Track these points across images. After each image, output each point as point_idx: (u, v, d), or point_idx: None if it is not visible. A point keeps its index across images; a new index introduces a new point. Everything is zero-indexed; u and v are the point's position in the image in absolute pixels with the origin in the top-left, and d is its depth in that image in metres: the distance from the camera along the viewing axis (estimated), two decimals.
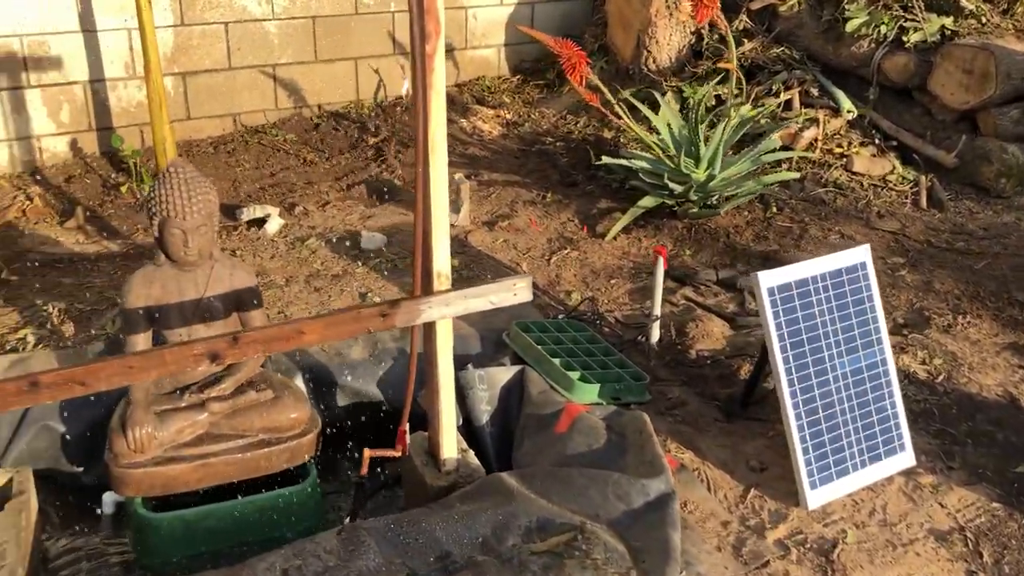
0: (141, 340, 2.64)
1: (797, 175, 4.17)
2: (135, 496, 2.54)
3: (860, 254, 2.70)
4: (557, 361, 2.93)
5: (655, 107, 4.45)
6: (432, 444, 2.61)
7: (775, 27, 4.94)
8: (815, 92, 4.64)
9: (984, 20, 4.61)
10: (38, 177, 4.42)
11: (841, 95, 4.53)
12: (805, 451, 2.48)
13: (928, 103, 4.60)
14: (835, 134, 4.49)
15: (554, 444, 2.65)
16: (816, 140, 4.42)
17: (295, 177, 4.60)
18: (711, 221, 3.94)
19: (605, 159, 4.06)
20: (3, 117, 4.34)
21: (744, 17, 4.96)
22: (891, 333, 3.07)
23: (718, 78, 4.79)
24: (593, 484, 2.40)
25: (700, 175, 3.92)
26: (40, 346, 3.10)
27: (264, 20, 4.87)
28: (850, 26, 4.49)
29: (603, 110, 3.99)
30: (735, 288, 3.48)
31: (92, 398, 2.85)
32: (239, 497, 2.61)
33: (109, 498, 2.72)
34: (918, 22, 4.52)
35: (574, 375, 2.87)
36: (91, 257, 3.78)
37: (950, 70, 4.41)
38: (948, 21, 4.55)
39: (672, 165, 3.91)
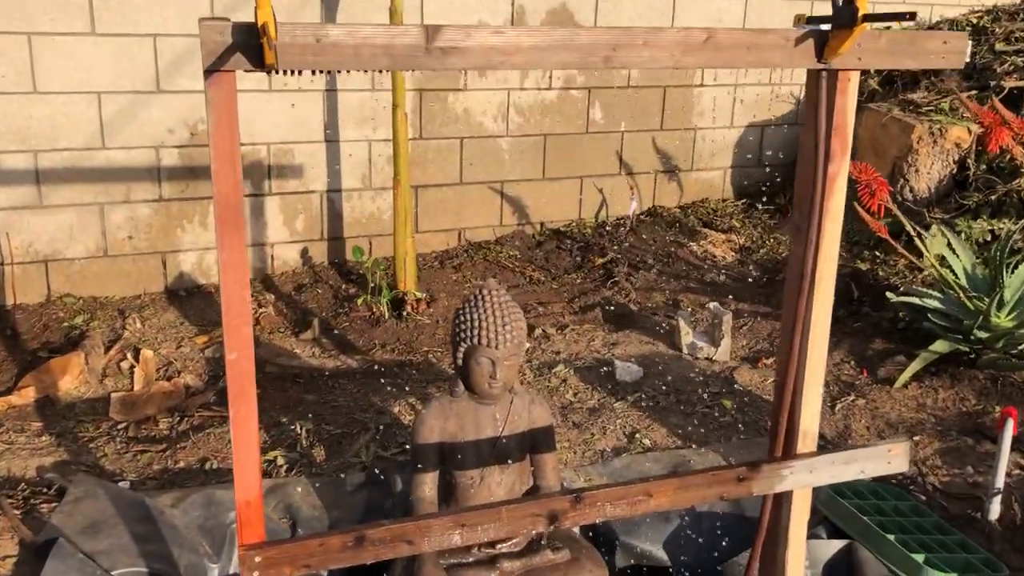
0: (429, 480, 2.34)
1: None
2: None
3: None
4: (891, 538, 2.46)
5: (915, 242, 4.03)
6: None
7: None
8: None
9: None
10: (267, 284, 4.33)
11: None
12: None
13: None
14: None
15: None
16: None
17: (526, 296, 4.35)
18: (1017, 374, 3.42)
19: (892, 296, 3.64)
20: None
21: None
22: None
23: (991, 212, 4.33)
24: None
25: (1004, 321, 3.43)
26: (293, 472, 2.86)
27: (498, 137, 4.75)
28: None
29: (893, 243, 3.59)
30: None
31: None
32: None
33: None
34: None
35: (918, 557, 2.39)
36: (330, 372, 3.59)
37: None
38: None
39: (971, 307, 3.44)
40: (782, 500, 2.04)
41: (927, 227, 4.27)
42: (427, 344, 3.85)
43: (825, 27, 1.72)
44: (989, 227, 4.26)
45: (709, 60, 1.66)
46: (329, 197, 4.46)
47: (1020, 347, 3.46)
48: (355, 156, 4.45)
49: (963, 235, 4.22)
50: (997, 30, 5.08)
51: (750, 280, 4.54)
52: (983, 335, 3.43)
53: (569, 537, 2.39)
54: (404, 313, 4.01)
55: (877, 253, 4.49)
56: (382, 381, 3.50)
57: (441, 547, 1.78)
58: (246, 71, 1.45)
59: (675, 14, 4.97)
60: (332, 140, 4.38)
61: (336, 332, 3.93)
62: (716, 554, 2.64)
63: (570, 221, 5.08)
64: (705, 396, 3.39)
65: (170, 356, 3.65)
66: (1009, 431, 2.59)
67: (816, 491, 2.70)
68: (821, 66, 1.74)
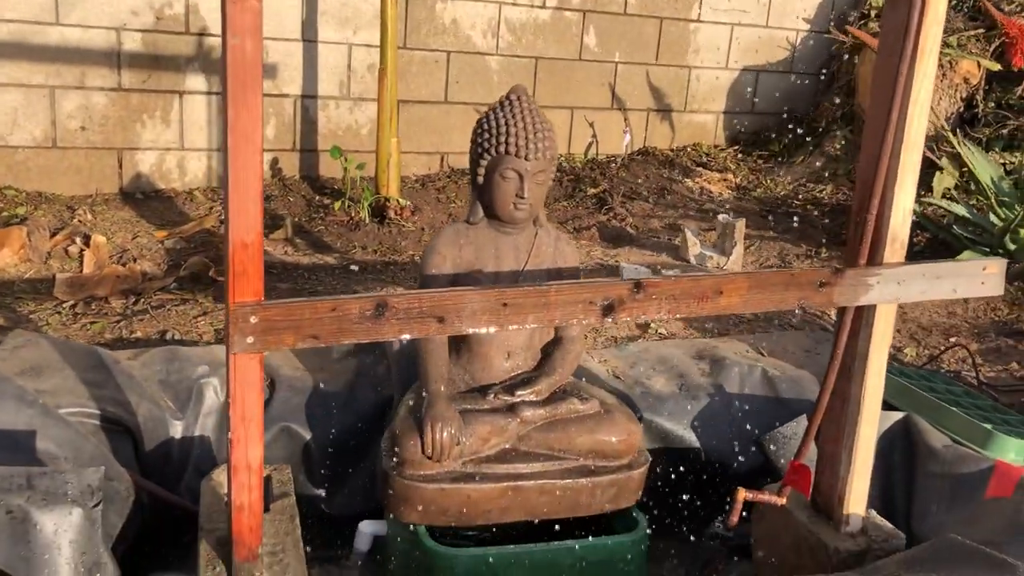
0: None
1: None
2: (420, 523, 1.84)
3: None
4: (955, 409, 2.19)
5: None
6: (826, 493, 1.87)
7: None
8: None
9: None
10: None
11: None
12: None
13: None
14: None
15: (997, 511, 1.88)
16: None
17: None
18: None
19: (917, 207, 3.40)
20: (208, 124, 3.93)
21: None
22: None
23: (1002, 146, 4.16)
24: None
25: None
26: None
27: (487, 54, 4.46)
28: None
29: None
30: None
31: (342, 403, 2.22)
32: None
33: (368, 529, 2.03)
34: None
35: (987, 426, 2.12)
36: (306, 267, 3.23)
37: None
38: None
39: (1001, 215, 3.22)
40: (860, 323, 1.75)
41: (935, 163, 4.07)
42: (412, 249, 3.52)
43: None
44: (1002, 161, 4.07)
45: None
46: (303, 104, 4.11)
47: None
48: (333, 60, 4.12)
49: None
50: None
51: (751, 212, 4.29)
52: (1012, 246, 3.21)
53: (596, 392, 2.08)
54: (386, 219, 3.67)
55: None
56: (365, 276, 3.16)
57: (477, 327, 1.46)
58: None
59: None
60: (310, 40, 4.04)
61: (311, 234, 3.58)
62: (750, 440, 2.34)
63: (559, 154, 4.78)
64: None
65: (125, 245, 3.26)
66: None
67: None
68: None
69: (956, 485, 1.99)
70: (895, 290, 1.70)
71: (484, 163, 1.97)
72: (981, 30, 4.61)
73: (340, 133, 4.21)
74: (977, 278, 1.75)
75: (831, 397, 1.81)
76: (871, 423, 1.80)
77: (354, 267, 3.25)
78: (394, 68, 3.69)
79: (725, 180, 4.72)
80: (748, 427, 2.36)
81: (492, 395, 1.96)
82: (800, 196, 4.49)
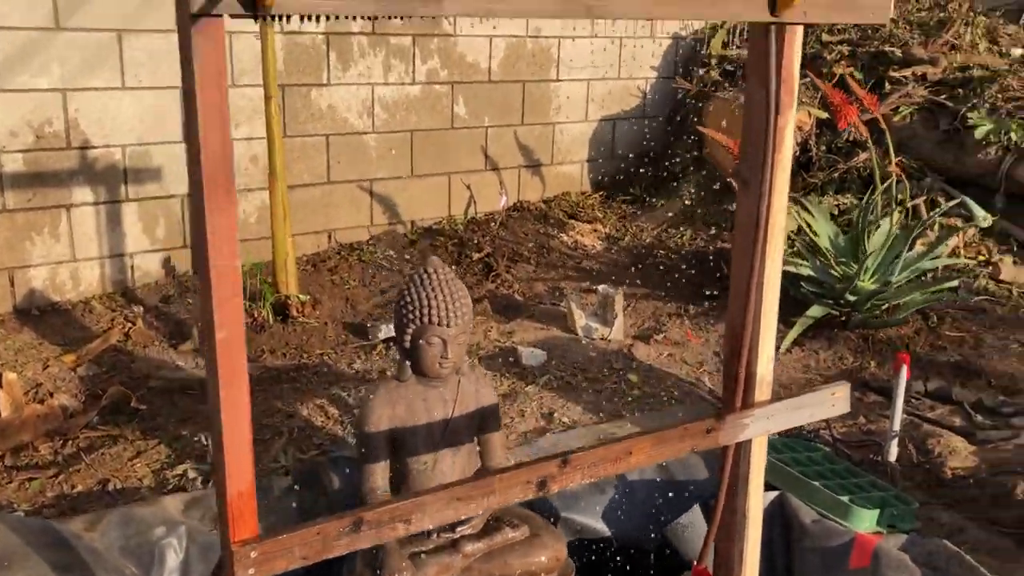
0: (380, 470, 2.26)
1: (956, 283, 3.99)
2: None
3: None
4: (818, 484, 2.60)
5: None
6: None
7: (883, 140, 4.88)
8: (941, 201, 4.54)
9: None
10: (131, 298, 4.03)
11: (974, 204, 4.42)
12: None
13: None
14: (971, 243, 4.37)
15: None
16: (958, 248, 4.28)
17: None
18: (882, 332, 3.71)
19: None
20: (98, 233, 3.98)
21: (852, 130, 4.90)
22: None
23: (835, 189, 4.69)
24: None
25: (868, 284, 3.71)
26: (209, 484, 2.67)
27: (364, 133, 4.65)
28: (978, 133, 4.44)
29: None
30: (950, 400, 3.22)
31: None
32: None
33: None
34: None
35: (844, 498, 2.54)
36: None
37: None
38: None
39: (839, 272, 3.70)
40: (741, 450, 2.11)
41: None
42: (319, 347, 3.71)
43: None
44: (835, 202, 4.59)
45: (679, 11, 1.70)
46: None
47: (883, 307, 3.75)
48: None
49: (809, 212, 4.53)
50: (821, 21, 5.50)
51: (621, 265, 4.67)
52: (852, 298, 3.69)
53: (523, 514, 2.37)
54: (289, 317, 3.84)
55: None
56: (281, 387, 3.34)
57: (438, 523, 1.72)
58: (234, 16, 1.35)
59: None
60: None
61: None
62: (653, 522, 2.69)
63: (441, 218, 5.05)
64: (609, 373, 3.46)
65: (37, 378, 3.32)
66: (903, 377, 2.80)
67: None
68: (773, 19, 1.82)
69: (826, 558, 2.39)
70: (766, 424, 2.06)
71: (410, 331, 2.22)
72: (807, 78, 5.13)
73: None
74: (829, 402, 2.14)
75: (732, 509, 2.18)
76: (756, 527, 2.16)
77: (268, 374, 3.43)
78: (283, 168, 3.84)
79: (595, 231, 5.10)
80: (652, 510, 2.71)
81: (435, 534, 2.23)
82: (663, 243, 4.91)
